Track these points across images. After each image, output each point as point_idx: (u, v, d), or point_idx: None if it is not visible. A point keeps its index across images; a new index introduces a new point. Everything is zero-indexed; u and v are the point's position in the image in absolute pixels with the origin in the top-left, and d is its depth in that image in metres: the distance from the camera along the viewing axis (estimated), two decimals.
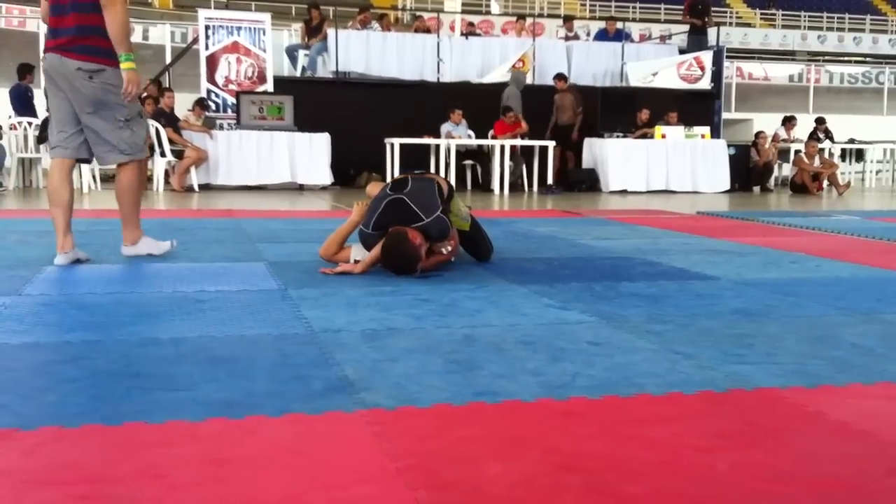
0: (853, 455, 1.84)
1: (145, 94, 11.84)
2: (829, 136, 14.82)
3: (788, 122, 14.67)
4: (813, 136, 14.10)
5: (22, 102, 11.70)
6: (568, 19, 15.91)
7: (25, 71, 11.86)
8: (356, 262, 4.15)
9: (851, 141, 15.47)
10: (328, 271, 4.12)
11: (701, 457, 1.81)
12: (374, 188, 4.74)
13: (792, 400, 2.22)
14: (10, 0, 21.96)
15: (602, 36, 15.28)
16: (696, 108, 13.43)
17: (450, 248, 4.22)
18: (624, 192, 11.81)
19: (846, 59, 30.18)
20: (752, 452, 1.83)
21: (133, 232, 4.55)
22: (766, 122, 15.80)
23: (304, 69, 13.23)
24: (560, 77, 12.78)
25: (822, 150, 13.52)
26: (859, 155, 15.64)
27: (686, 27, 14.80)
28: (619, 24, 15.52)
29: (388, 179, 4.70)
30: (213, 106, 11.95)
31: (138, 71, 4.24)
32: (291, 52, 13.49)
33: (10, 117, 11.39)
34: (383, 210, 4.07)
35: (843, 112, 18.34)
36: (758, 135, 13.65)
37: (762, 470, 1.74)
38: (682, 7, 15.51)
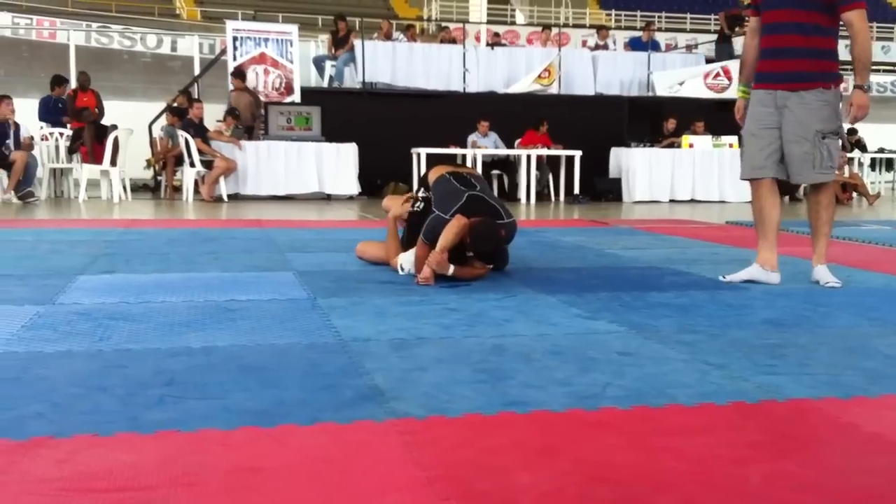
0: (887, 466, 1.82)
1: (175, 105, 11.98)
2: (860, 145, 14.66)
3: None
4: (843, 146, 13.94)
5: (50, 113, 11.80)
6: (601, 29, 15.87)
7: (55, 83, 11.97)
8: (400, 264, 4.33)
9: (881, 150, 15.30)
10: (427, 280, 4.06)
11: (733, 468, 1.80)
12: (391, 201, 4.78)
13: (825, 411, 2.20)
14: (42, 12, 22.30)
15: (637, 43, 15.22)
16: (724, 117, 13.23)
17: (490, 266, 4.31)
18: (650, 201, 11.76)
19: (874, 67, 29.82)
20: (784, 464, 1.82)
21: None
22: None
23: (331, 80, 13.31)
24: (234, 74, 11.92)
25: (851, 159, 13.37)
26: (889, 164, 15.47)
27: (711, 37, 14.75)
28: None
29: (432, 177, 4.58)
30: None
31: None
32: (319, 63, 13.57)
33: (41, 128, 11.53)
34: (466, 202, 4.14)
35: (872, 121, 18.04)
36: None
37: (795, 481, 1.72)
38: (707, 16, 15.47)
